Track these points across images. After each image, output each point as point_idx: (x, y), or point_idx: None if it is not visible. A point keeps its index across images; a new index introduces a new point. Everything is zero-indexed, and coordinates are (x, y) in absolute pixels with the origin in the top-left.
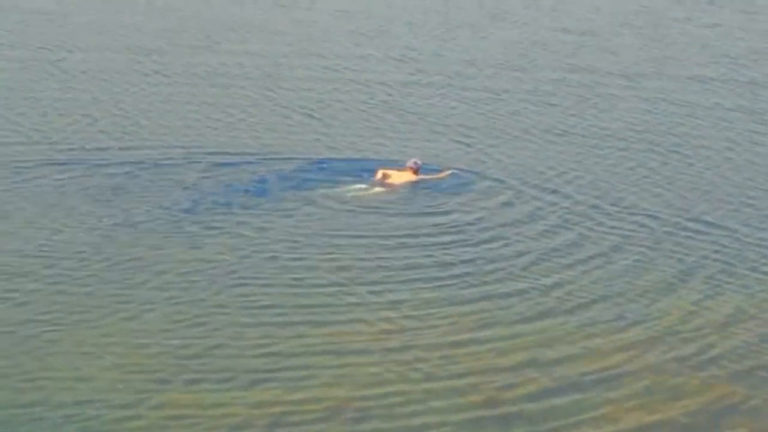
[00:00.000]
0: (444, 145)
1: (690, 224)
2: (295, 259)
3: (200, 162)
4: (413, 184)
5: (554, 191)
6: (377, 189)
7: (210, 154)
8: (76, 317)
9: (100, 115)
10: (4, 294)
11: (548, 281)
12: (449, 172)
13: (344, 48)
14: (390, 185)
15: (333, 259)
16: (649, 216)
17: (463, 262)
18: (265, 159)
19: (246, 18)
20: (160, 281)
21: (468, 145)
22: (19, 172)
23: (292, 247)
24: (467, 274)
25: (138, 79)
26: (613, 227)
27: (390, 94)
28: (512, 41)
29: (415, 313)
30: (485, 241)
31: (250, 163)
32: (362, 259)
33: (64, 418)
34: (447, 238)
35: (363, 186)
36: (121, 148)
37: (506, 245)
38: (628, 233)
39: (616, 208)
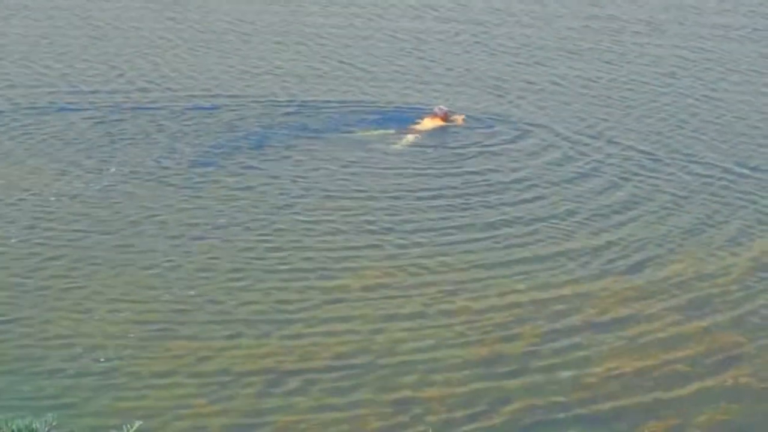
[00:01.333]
0: (475, 95)
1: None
2: (315, 208)
3: (221, 109)
4: (442, 130)
5: (588, 141)
6: (407, 136)
7: (233, 100)
8: (81, 268)
9: (125, 65)
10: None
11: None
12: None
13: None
14: (419, 131)
15: (360, 210)
16: (694, 163)
17: (492, 214)
18: (291, 106)
19: None
20: (171, 231)
21: (498, 95)
22: (28, 116)
23: (312, 196)
24: (496, 229)
25: (160, 30)
26: (645, 177)
27: (419, 44)
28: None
29: (448, 271)
30: (513, 192)
31: (277, 109)
32: (389, 209)
33: (65, 367)
34: (475, 189)
35: (392, 132)
36: (140, 97)
37: (535, 196)
38: (665, 183)
39: (647, 157)
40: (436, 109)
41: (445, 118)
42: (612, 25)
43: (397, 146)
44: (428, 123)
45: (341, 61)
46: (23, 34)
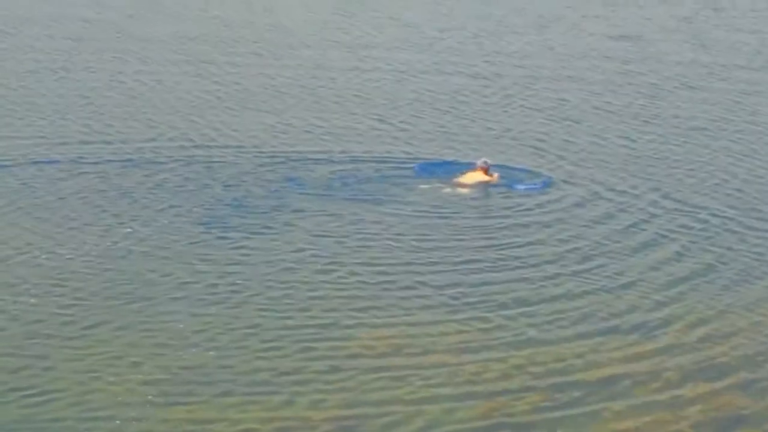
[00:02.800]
0: (512, 149)
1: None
2: (362, 263)
3: (257, 161)
4: (485, 184)
5: (623, 192)
6: (448, 189)
7: (273, 155)
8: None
9: (159, 117)
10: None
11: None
12: (522, 187)
13: (407, 54)
14: (462, 185)
15: (400, 261)
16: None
17: (529, 262)
18: (334, 161)
19: (300, 25)
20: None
21: (538, 149)
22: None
23: (356, 248)
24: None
25: (192, 85)
26: (675, 226)
27: (453, 99)
28: (563, 48)
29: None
30: (546, 243)
31: (319, 163)
32: (430, 260)
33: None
34: (516, 240)
35: (436, 186)
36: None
37: (575, 248)
38: (690, 232)
39: (681, 206)
40: (479, 163)
41: (487, 171)
42: (646, 82)
43: (439, 198)
44: (471, 177)
45: (379, 118)
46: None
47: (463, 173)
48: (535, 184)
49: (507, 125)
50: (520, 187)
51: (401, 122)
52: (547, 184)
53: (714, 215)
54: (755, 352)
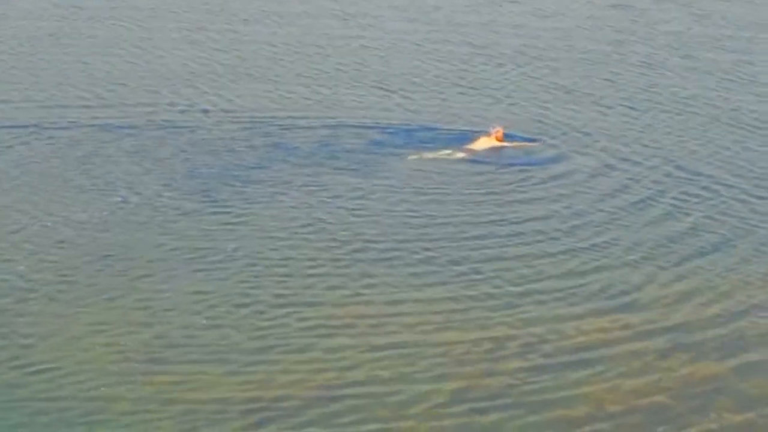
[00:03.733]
0: (524, 114)
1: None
2: (368, 221)
3: (262, 126)
4: (497, 151)
5: (633, 161)
6: (459, 154)
7: (281, 119)
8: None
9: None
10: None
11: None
12: (535, 143)
13: (423, 20)
14: (472, 151)
15: (406, 224)
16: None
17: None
18: (344, 125)
19: None
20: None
21: (547, 115)
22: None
23: (362, 212)
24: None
25: (198, 49)
26: (686, 197)
27: (468, 63)
28: (571, 14)
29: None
30: (556, 215)
31: (327, 128)
32: (429, 232)
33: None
34: (518, 213)
35: (447, 151)
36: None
37: (581, 221)
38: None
39: (690, 177)
40: (491, 129)
41: (500, 138)
42: (650, 52)
43: (449, 164)
44: (483, 143)
45: (391, 82)
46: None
47: (475, 139)
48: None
49: (510, 95)
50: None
51: (404, 90)
52: (559, 146)
53: (724, 185)
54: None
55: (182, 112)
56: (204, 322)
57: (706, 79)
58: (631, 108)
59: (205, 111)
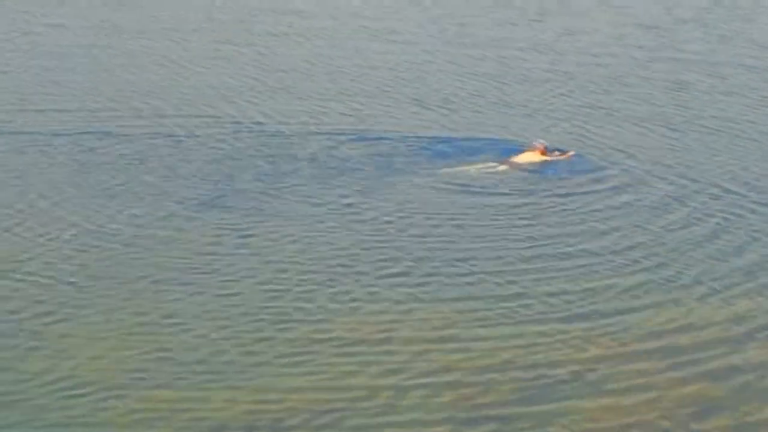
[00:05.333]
0: (565, 128)
1: None
2: (410, 235)
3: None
4: (540, 164)
5: (674, 179)
6: (502, 168)
7: (332, 131)
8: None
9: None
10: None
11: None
12: (572, 153)
13: (463, 34)
14: (516, 164)
15: (449, 240)
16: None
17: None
18: (390, 138)
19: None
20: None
21: (589, 130)
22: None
23: (402, 226)
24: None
25: (217, 62)
26: (716, 211)
27: (501, 80)
28: (597, 34)
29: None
30: (595, 230)
31: (373, 140)
32: (480, 239)
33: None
34: (560, 223)
35: (490, 165)
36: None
37: (618, 234)
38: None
39: (733, 194)
40: (536, 143)
41: (545, 152)
42: (675, 67)
43: (493, 178)
44: (526, 156)
45: (440, 95)
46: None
47: (518, 153)
48: (588, 161)
49: (546, 111)
50: (575, 165)
51: (443, 100)
52: (602, 162)
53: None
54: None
55: (209, 125)
56: (213, 336)
57: (734, 99)
58: (665, 127)
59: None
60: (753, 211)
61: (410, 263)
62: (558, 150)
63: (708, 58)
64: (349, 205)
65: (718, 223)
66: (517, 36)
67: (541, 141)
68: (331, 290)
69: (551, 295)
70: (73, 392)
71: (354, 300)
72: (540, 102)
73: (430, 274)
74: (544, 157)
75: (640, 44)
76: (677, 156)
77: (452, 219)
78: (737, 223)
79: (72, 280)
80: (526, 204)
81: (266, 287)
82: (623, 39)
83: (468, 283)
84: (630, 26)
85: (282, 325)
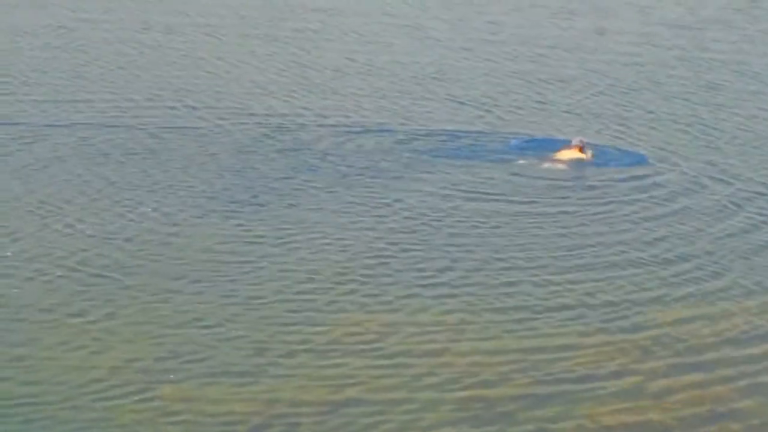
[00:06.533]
0: (601, 127)
1: None
2: (451, 225)
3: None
4: (579, 162)
5: (715, 179)
6: (543, 165)
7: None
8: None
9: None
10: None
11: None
12: (615, 156)
13: (479, 30)
14: (555, 161)
15: (487, 236)
16: None
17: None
18: (423, 135)
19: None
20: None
21: (635, 124)
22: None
23: (440, 222)
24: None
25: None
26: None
27: (541, 77)
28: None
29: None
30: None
31: (409, 137)
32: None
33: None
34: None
35: (530, 161)
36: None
37: (656, 235)
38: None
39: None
40: (574, 141)
41: (582, 150)
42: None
43: (532, 173)
44: (566, 154)
45: (474, 92)
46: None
47: (558, 150)
48: (627, 159)
49: (581, 110)
50: (612, 164)
51: (483, 97)
52: (641, 160)
53: None
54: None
55: (239, 121)
56: (225, 330)
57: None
58: (702, 126)
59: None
60: None
61: (444, 266)
62: (600, 149)
63: (736, 57)
64: (381, 204)
65: (762, 223)
66: (546, 34)
67: (581, 138)
68: (357, 293)
69: (591, 303)
70: (79, 391)
71: (382, 302)
72: (574, 101)
73: (463, 278)
74: (582, 155)
75: (669, 44)
76: (715, 156)
77: (485, 221)
78: None
79: (102, 273)
80: (561, 202)
81: (297, 288)
82: (651, 38)
83: (502, 291)
84: (657, 25)
85: (309, 328)
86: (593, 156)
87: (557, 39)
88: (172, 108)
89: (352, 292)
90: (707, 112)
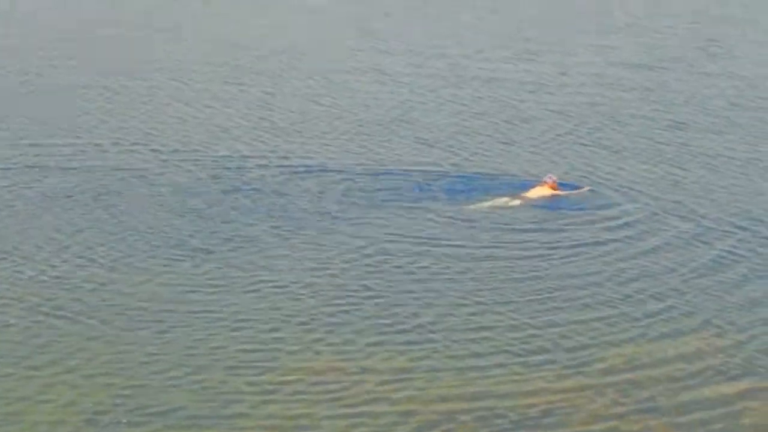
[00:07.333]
0: (569, 165)
1: None
2: (420, 268)
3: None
4: (550, 199)
5: (680, 214)
6: (513, 203)
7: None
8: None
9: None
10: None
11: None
12: (587, 188)
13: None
14: (527, 199)
15: (457, 272)
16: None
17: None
18: (395, 174)
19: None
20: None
21: (602, 164)
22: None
23: (414, 258)
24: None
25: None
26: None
27: (518, 113)
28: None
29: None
30: (595, 262)
31: (378, 177)
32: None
33: None
34: (564, 257)
35: (501, 200)
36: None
37: (622, 268)
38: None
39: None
40: (546, 178)
41: (555, 187)
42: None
43: (503, 214)
44: (537, 191)
45: (442, 133)
46: None
47: (529, 188)
48: (594, 198)
49: (552, 148)
50: (581, 203)
51: (448, 137)
52: (608, 199)
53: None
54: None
55: (202, 163)
56: (179, 376)
57: (728, 136)
58: (667, 163)
59: None
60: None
61: (411, 312)
62: (572, 186)
63: (697, 95)
64: (349, 242)
65: (731, 260)
66: (508, 76)
67: (551, 176)
68: (321, 333)
69: (559, 335)
70: None
71: (343, 349)
72: (538, 141)
73: (433, 323)
74: (555, 192)
75: (630, 83)
76: (682, 195)
77: (453, 264)
78: (747, 258)
79: (46, 320)
80: (533, 241)
81: (253, 334)
82: (613, 78)
83: (471, 337)
84: (617, 66)
85: (272, 375)
86: (585, 192)
87: (519, 80)
88: (127, 151)
89: (316, 339)
90: (671, 151)
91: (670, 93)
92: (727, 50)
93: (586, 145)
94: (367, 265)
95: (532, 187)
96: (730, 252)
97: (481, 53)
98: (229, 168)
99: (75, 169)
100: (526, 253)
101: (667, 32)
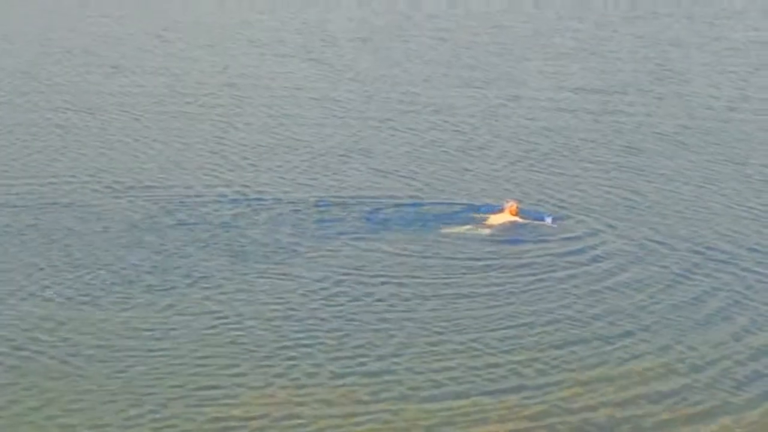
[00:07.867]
0: (533, 188)
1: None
2: (378, 300)
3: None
4: (511, 225)
5: (643, 239)
6: (473, 230)
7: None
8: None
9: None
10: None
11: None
12: (549, 219)
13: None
14: (488, 226)
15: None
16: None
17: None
18: (361, 202)
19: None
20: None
21: (556, 189)
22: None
23: (372, 290)
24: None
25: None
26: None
27: (471, 141)
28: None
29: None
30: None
31: (339, 206)
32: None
33: None
34: (526, 284)
35: (462, 228)
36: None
37: (582, 298)
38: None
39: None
40: (507, 204)
41: (516, 212)
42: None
43: (463, 241)
44: (497, 218)
45: (396, 162)
46: None
47: (490, 215)
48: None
49: (511, 174)
50: (534, 214)
51: (401, 167)
52: (564, 227)
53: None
54: None
55: (155, 197)
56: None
57: (687, 160)
58: (622, 190)
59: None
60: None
61: (370, 345)
62: (535, 215)
63: (648, 119)
64: (305, 275)
65: (689, 284)
66: (461, 102)
67: (512, 202)
68: (281, 367)
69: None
70: None
71: (301, 384)
72: (492, 168)
73: (400, 346)
74: (516, 219)
75: (581, 109)
76: (636, 215)
77: (415, 289)
78: (702, 281)
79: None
80: (492, 269)
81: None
82: (564, 104)
83: (432, 378)
84: (568, 91)
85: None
86: (526, 221)
87: (471, 106)
88: (79, 188)
89: (277, 374)
90: (626, 177)
91: (622, 117)
92: (676, 73)
93: (540, 171)
94: (324, 297)
95: (493, 213)
96: (686, 275)
97: (431, 81)
98: (183, 203)
99: (28, 207)
100: (484, 282)
101: (615, 57)
